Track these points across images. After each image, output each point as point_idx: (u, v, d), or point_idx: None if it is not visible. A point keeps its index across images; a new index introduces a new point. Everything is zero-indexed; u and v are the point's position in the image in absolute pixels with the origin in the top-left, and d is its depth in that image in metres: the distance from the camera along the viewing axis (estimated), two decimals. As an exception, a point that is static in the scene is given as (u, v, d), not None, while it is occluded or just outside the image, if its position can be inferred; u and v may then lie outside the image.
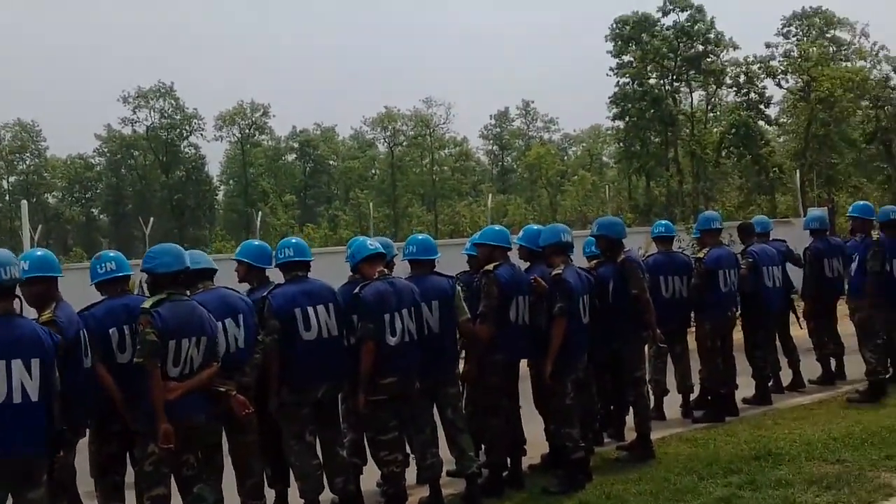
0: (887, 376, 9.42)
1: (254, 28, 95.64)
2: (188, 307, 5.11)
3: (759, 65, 42.83)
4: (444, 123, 61.91)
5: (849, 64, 42.79)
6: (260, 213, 35.71)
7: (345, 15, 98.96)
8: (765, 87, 43.77)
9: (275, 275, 6.27)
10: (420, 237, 6.87)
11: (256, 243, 6.53)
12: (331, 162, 69.46)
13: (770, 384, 9.52)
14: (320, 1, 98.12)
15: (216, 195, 67.34)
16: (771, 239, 10.18)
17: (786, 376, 9.90)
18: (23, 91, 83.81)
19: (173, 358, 4.91)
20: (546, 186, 58.80)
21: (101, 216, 67.63)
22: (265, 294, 5.86)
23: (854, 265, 9.39)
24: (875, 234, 9.34)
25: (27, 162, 64.15)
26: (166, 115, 60.61)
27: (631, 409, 7.56)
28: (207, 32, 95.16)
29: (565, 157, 69.38)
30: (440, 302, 6.36)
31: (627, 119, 45.91)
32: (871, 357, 9.14)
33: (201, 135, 61.89)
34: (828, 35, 46.74)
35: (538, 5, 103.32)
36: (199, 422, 5.07)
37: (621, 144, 49.27)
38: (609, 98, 45.96)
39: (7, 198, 62.21)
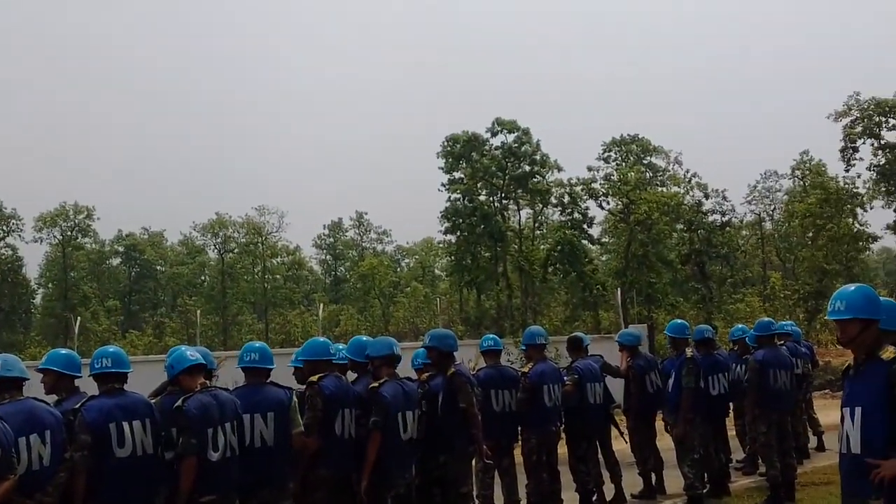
0: (704, 491, 9.76)
1: (79, 128, 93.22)
2: None
3: (581, 186, 44.68)
4: (276, 231, 61.56)
5: (664, 189, 45.28)
6: (79, 318, 34.01)
7: (176, 117, 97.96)
8: (587, 208, 45.64)
9: (85, 384, 5.97)
10: (258, 345, 6.75)
11: (64, 351, 6.19)
12: (158, 267, 67.58)
13: (594, 498, 9.67)
14: (152, 101, 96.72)
15: (33, 298, 63.95)
16: (589, 353, 10.47)
17: (608, 490, 10.09)
18: None
19: None
20: (379, 297, 58.98)
21: None
22: (77, 406, 5.50)
23: (671, 381, 9.80)
24: (689, 352, 9.79)
25: None
26: (-19, 214, 57.56)
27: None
28: (31, 133, 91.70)
29: (398, 269, 70.06)
30: (276, 413, 6.24)
31: (459, 233, 46.87)
32: (689, 472, 9.48)
33: (19, 236, 58.97)
34: (645, 161, 49.65)
35: (374, 118, 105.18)
36: None
37: (453, 258, 50.16)
38: (441, 213, 46.98)
39: None
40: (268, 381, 6.46)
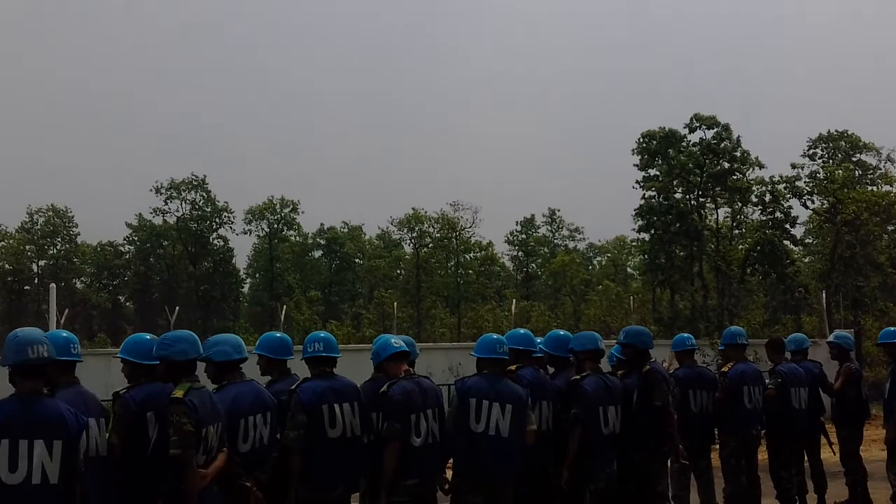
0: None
1: (291, 127, 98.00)
2: (207, 395, 5.07)
3: (784, 184, 43.03)
4: (470, 227, 62.34)
5: (874, 188, 42.93)
6: (284, 307, 35.81)
7: (377, 117, 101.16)
8: (790, 207, 43.90)
9: (296, 367, 6.26)
10: (522, 331, 7.03)
11: (277, 335, 6.47)
12: (357, 260, 69.84)
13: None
14: (353, 103, 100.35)
15: (242, 288, 67.66)
16: (808, 358, 10.07)
17: (811, 500, 9.73)
18: (57, 177, 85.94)
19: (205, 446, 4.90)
20: (570, 294, 58.69)
21: (128, 303, 68.07)
22: (293, 388, 5.80)
23: (887, 387, 9.30)
24: None
25: (58, 247, 65.01)
26: (197, 206, 61.36)
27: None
28: (241, 131, 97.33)
29: (590, 267, 69.48)
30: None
31: (653, 232, 46.09)
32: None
33: (230, 227, 62.58)
34: (853, 158, 47.11)
35: (565, 114, 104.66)
36: None
37: (646, 256, 49.35)
38: (635, 210, 46.31)
39: (36, 281, 62.95)
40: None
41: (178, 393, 4.84)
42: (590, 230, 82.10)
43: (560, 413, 6.73)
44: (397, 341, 6.36)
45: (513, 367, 6.60)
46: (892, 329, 10.02)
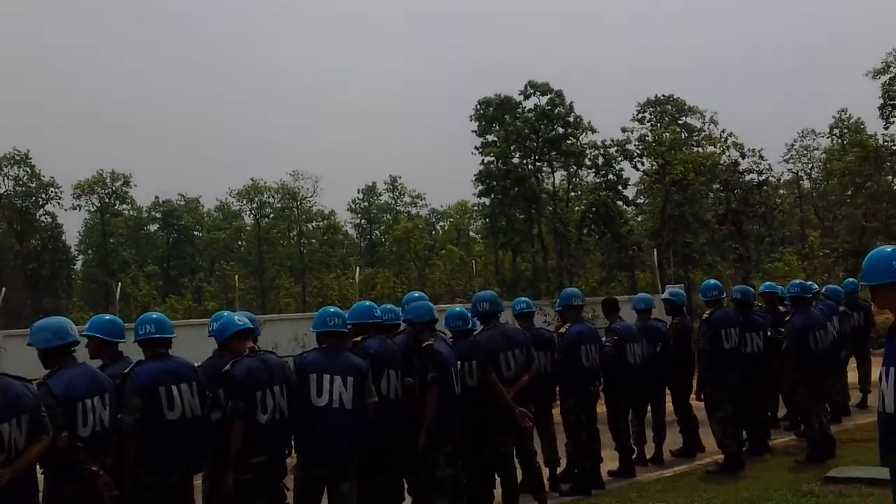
0: (743, 449, 9.80)
1: (114, 96, 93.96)
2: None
3: (616, 148, 44.45)
4: (311, 196, 61.78)
5: (700, 149, 44.87)
6: (120, 283, 34.51)
7: (209, 82, 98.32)
8: (622, 169, 45.37)
9: (127, 349, 6.07)
10: (365, 304, 7.08)
11: (108, 317, 6.27)
12: (195, 233, 68.11)
13: (634, 456, 9.76)
14: (184, 67, 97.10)
15: (74, 265, 64.82)
16: (652, 317, 10.50)
17: (649, 449, 10.20)
18: None
19: None
20: (414, 260, 59.16)
21: (-51, 284, 64.02)
22: (127, 371, 5.63)
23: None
24: (705, 315, 9.78)
25: None
26: (21, 182, 58.21)
27: (499, 484, 7.62)
28: (67, 102, 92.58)
29: (433, 232, 70.12)
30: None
31: (493, 196, 46.83)
32: (718, 429, 9.52)
33: (58, 203, 59.68)
34: (680, 122, 49.10)
35: (402, 79, 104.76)
36: None
37: (487, 220, 50.16)
38: (475, 175, 46.94)
39: None
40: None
41: None
42: (431, 196, 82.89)
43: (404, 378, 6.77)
44: (240, 318, 6.27)
45: (358, 339, 6.58)
46: (713, 282, 10.51)
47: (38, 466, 4.98)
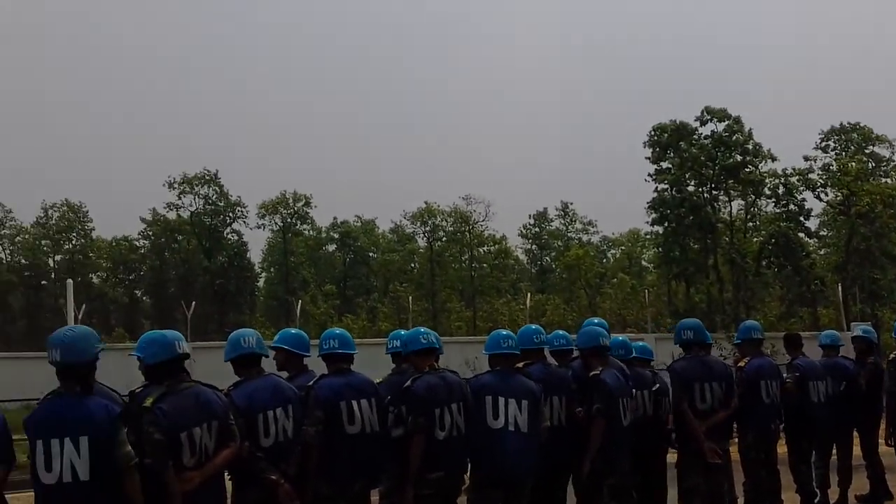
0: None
1: (298, 119, 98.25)
2: (191, 396, 4.96)
3: (797, 177, 42.87)
4: (483, 220, 62.35)
5: (888, 180, 42.70)
6: (300, 301, 35.92)
7: (387, 108, 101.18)
8: (804, 200, 43.75)
9: (313, 363, 6.28)
10: (532, 328, 7.04)
11: (294, 331, 6.46)
12: (370, 254, 69.97)
13: (817, 500, 9.32)
14: (362, 97, 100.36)
15: (257, 282, 67.91)
16: (840, 355, 9.99)
17: (833, 493, 9.73)
18: (71, 173, 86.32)
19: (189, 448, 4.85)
20: (585, 288, 58.67)
21: (144, 298, 68.33)
22: (310, 384, 5.81)
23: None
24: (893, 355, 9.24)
25: (73, 242, 65.27)
26: (210, 201, 61.60)
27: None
28: (253, 123, 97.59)
29: (604, 260, 69.39)
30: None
31: (666, 225, 45.98)
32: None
33: (244, 222, 62.87)
34: (866, 150, 46.79)
35: (572, 105, 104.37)
36: None
37: (660, 249, 49.24)
38: (648, 203, 46.18)
39: (52, 276, 63.28)
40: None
41: (148, 402, 4.75)
42: (603, 223, 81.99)
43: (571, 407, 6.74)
44: (426, 336, 6.33)
45: (520, 365, 6.59)
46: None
47: (225, 472, 5.23)
